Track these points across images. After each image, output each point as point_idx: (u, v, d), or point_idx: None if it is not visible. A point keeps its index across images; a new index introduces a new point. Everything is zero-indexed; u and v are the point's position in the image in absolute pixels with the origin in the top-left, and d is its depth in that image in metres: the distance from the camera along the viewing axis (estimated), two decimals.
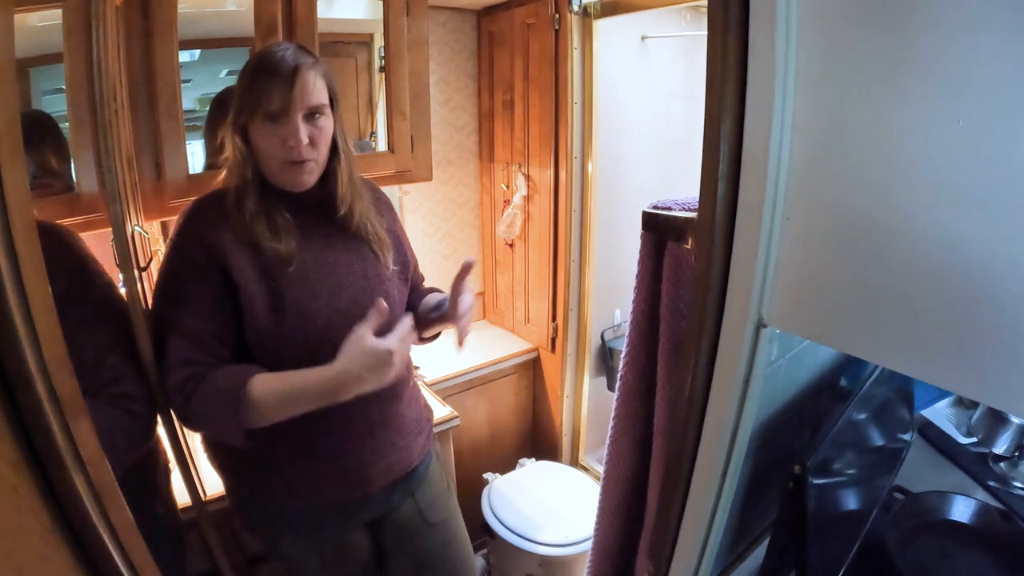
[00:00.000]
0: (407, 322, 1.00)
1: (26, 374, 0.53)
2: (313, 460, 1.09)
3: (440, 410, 1.72)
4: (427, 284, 1.41)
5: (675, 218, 0.93)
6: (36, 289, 0.52)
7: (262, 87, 0.98)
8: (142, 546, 0.69)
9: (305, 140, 1.00)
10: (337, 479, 1.11)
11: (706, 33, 0.69)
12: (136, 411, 0.96)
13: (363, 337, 0.95)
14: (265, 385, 0.97)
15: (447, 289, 1.23)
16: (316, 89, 1.01)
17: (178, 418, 1.03)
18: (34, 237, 0.53)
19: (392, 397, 1.14)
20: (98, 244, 1.10)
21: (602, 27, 1.94)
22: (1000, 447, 1.26)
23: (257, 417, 0.97)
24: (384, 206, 1.26)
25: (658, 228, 0.97)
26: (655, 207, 0.97)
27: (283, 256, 1.03)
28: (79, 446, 0.58)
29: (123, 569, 0.65)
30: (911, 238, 0.58)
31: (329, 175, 1.10)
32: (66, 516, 0.60)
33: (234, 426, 0.96)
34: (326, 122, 1.04)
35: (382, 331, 0.98)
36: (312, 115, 1.02)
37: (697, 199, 0.74)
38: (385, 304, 0.97)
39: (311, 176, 1.05)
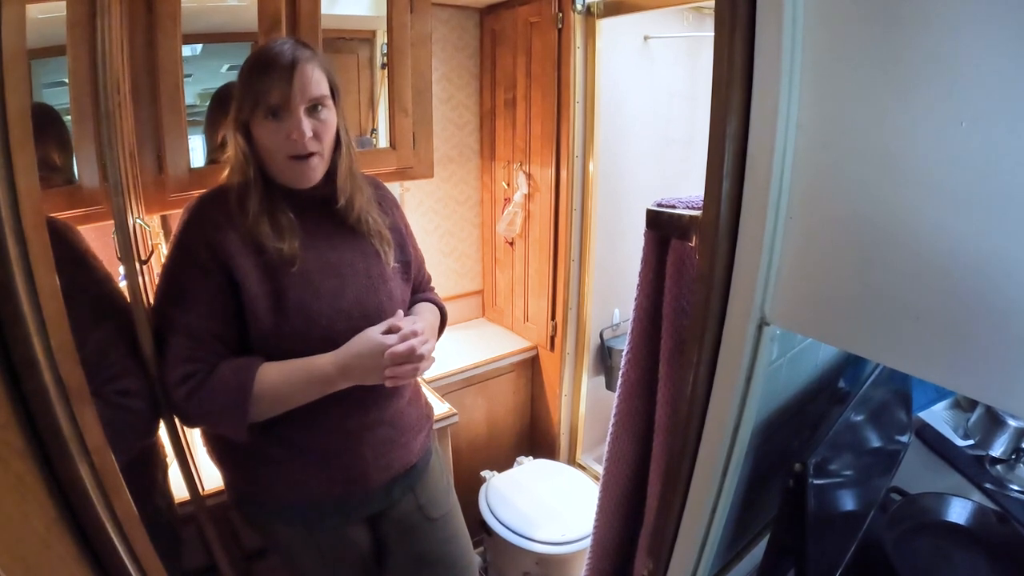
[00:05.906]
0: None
1: (32, 361, 0.53)
2: (313, 456, 1.09)
3: (439, 407, 1.72)
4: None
5: (679, 216, 0.93)
6: (43, 275, 0.52)
7: (261, 82, 0.98)
8: (144, 537, 0.69)
9: (309, 133, 0.99)
10: (337, 475, 1.11)
11: (708, 34, 0.70)
12: (136, 407, 0.95)
13: (379, 340, 1.01)
14: (269, 376, 0.99)
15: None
16: (316, 81, 1.00)
17: (177, 415, 1.03)
18: (42, 223, 0.53)
19: (393, 395, 1.14)
20: (98, 237, 1.10)
21: (605, 26, 1.94)
22: (997, 450, 1.27)
23: (262, 410, 0.99)
24: (390, 203, 1.26)
25: (662, 226, 0.97)
26: (659, 205, 0.97)
27: (286, 256, 1.03)
28: (84, 434, 0.58)
29: (126, 559, 0.65)
30: (914, 238, 0.58)
31: (331, 169, 1.09)
32: (70, 505, 0.60)
33: (239, 421, 0.97)
34: (329, 115, 1.04)
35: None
36: (314, 108, 1.01)
37: (700, 197, 0.75)
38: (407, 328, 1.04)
39: (316, 171, 1.05)
